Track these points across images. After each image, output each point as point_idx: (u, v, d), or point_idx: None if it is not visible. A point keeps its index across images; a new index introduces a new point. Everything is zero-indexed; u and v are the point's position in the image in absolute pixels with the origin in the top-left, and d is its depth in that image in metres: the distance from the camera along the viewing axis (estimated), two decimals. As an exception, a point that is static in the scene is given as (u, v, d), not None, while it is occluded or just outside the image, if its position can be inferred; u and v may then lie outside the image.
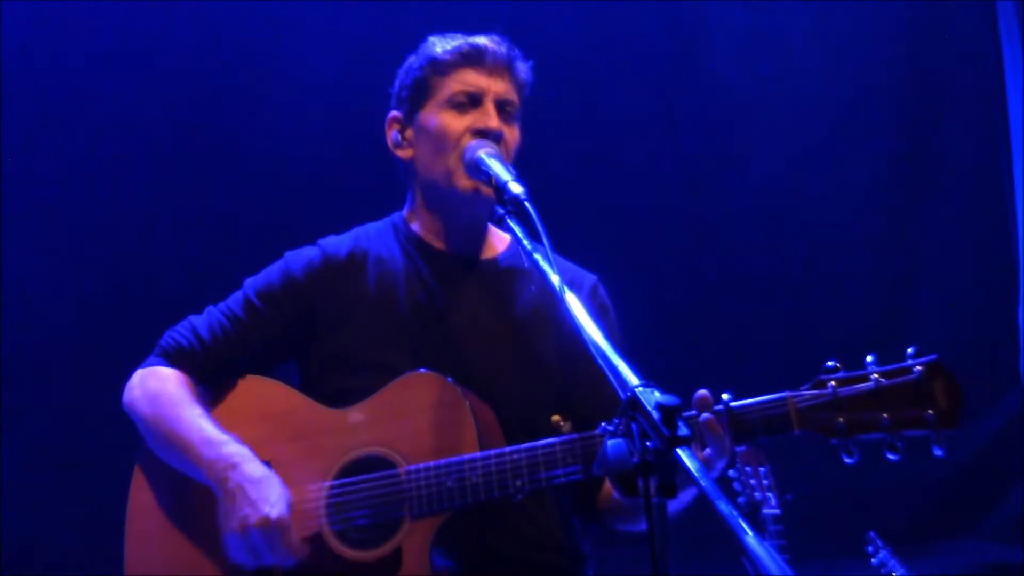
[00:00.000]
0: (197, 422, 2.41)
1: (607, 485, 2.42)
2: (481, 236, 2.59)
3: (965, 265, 4.73)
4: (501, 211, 2.19)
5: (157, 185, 4.41)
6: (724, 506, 1.51)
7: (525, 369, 2.48)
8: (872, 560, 4.07)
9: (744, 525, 1.48)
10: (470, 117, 2.47)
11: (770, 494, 3.97)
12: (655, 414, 1.59)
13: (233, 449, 2.36)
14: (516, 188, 2.18)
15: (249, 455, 2.35)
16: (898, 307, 4.76)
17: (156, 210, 4.39)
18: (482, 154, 2.35)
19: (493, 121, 2.46)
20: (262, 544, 2.27)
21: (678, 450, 1.56)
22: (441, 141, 2.47)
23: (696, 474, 1.54)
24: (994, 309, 4.69)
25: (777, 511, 3.94)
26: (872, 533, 4.10)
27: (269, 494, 2.29)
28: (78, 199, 4.33)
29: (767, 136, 4.79)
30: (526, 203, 2.14)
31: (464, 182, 2.43)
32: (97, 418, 4.01)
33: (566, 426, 2.38)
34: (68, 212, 4.32)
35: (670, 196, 4.75)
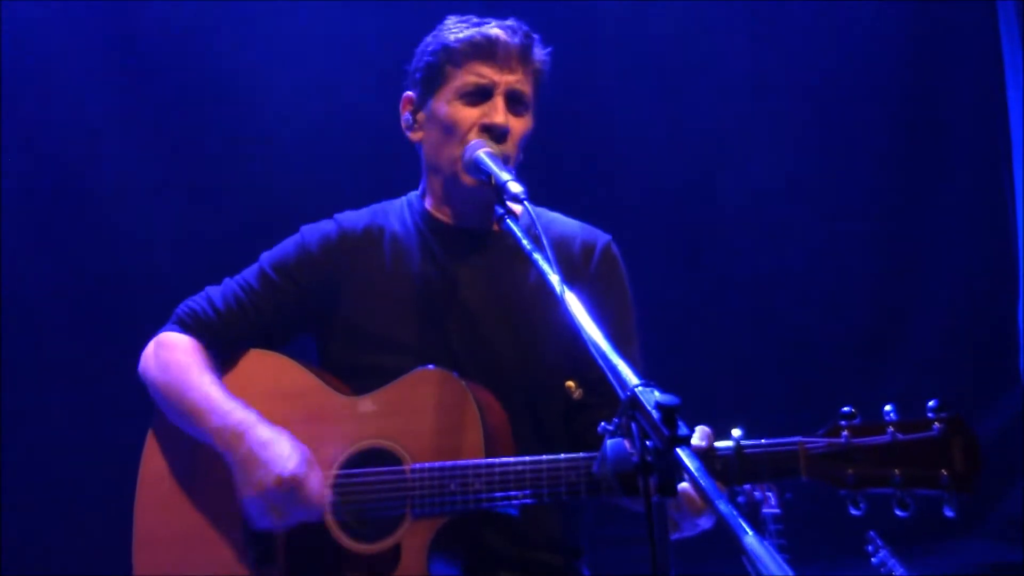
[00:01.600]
0: (205, 389, 2.43)
1: None
2: (490, 210, 2.59)
3: (965, 265, 4.73)
4: (501, 211, 2.20)
5: (157, 184, 4.41)
6: (724, 506, 1.51)
7: (537, 338, 2.49)
8: (872, 560, 4.07)
9: (744, 525, 1.48)
10: (479, 110, 2.48)
11: (770, 493, 3.97)
12: (655, 414, 1.59)
13: (240, 416, 2.37)
14: (515, 187, 2.20)
15: (256, 419, 2.36)
16: (898, 307, 4.76)
17: (156, 209, 4.39)
18: (481, 154, 2.36)
19: (500, 116, 2.47)
20: (283, 501, 2.28)
21: (678, 450, 1.56)
22: (449, 132, 2.49)
23: (696, 474, 1.54)
24: (994, 309, 4.68)
25: (777, 510, 3.94)
26: (872, 533, 4.10)
27: (280, 452, 2.30)
28: (78, 199, 4.33)
29: (767, 136, 4.79)
30: (525, 202, 2.15)
31: (467, 178, 2.45)
32: (97, 418, 4.03)
33: (578, 392, 2.42)
34: (68, 212, 4.32)
35: (670, 196, 4.75)
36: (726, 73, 4.80)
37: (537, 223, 2.09)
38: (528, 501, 2.23)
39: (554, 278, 2.01)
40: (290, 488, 2.27)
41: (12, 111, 4.24)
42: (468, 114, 2.48)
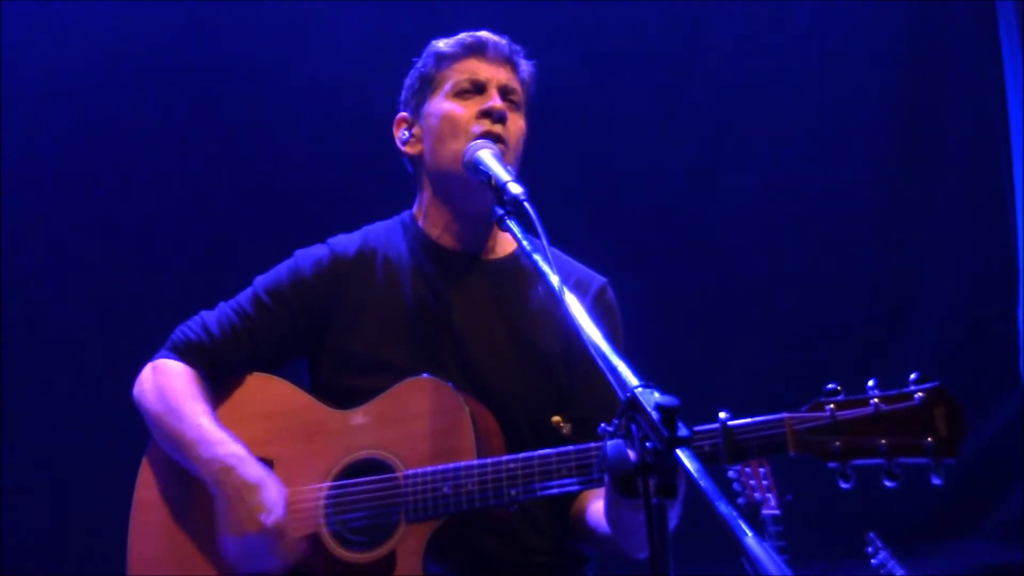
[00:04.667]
0: (197, 419, 2.42)
1: (578, 504, 2.43)
2: (488, 231, 2.58)
3: (965, 265, 4.73)
4: (500, 211, 2.19)
5: (158, 185, 4.41)
6: (724, 507, 1.50)
7: (526, 369, 2.48)
8: (872, 561, 4.08)
9: (744, 526, 1.48)
10: (475, 103, 2.49)
11: (770, 495, 3.98)
12: (654, 415, 1.58)
13: (229, 450, 2.37)
14: (515, 188, 2.18)
15: (245, 456, 2.36)
16: (898, 307, 4.76)
17: (157, 210, 4.39)
18: (480, 154, 2.35)
19: (497, 103, 2.47)
20: (259, 549, 2.30)
21: (677, 451, 1.56)
22: (449, 127, 2.49)
23: (695, 475, 1.54)
24: (994, 309, 4.69)
25: (777, 512, 3.95)
26: (872, 534, 4.11)
27: (265, 498, 2.31)
28: (78, 199, 4.33)
29: (767, 136, 4.79)
30: (525, 203, 2.13)
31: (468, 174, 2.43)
32: (97, 418, 4.03)
33: (566, 427, 2.39)
34: (68, 212, 4.32)
35: (670, 196, 4.75)
36: (725, 73, 4.81)
37: (538, 223, 2.07)
38: (521, 498, 2.22)
39: (554, 279, 1.99)
40: (268, 538, 2.29)
41: (12, 111, 4.24)
42: (465, 108, 2.49)
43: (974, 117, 4.78)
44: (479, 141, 2.40)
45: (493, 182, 2.24)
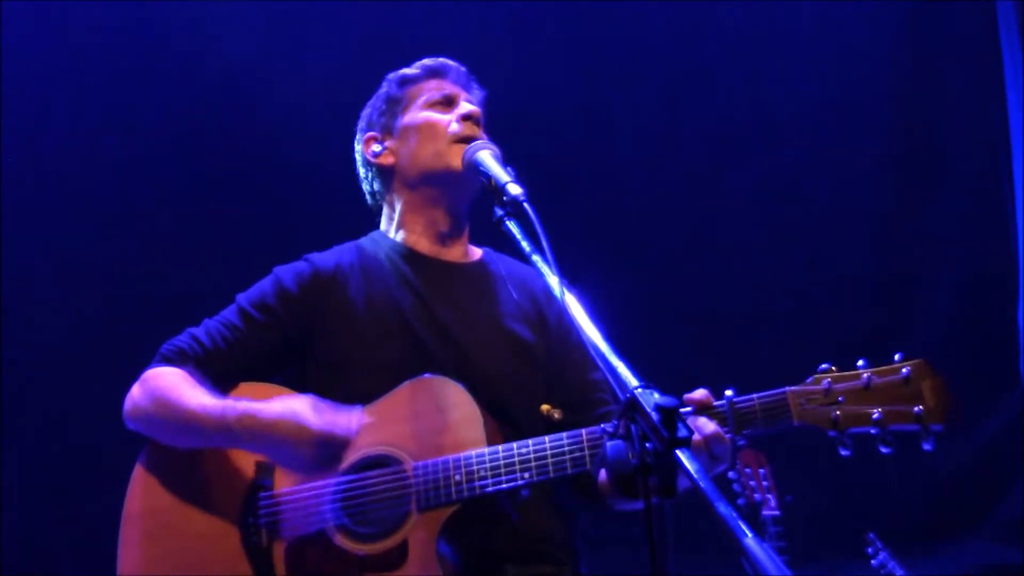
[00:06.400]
0: (199, 399, 2.42)
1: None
2: (461, 235, 2.68)
3: (965, 265, 4.73)
4: (500, 212, 2.20)
5: (158, 185, 4.41)
6: (723, 507, 1.51)
7: (514, 359, 2.53)
8: (872, 561, 4.07)
9: (743, 526, 1.48)
10: (451, 112, 2.63)
11: (770, 496, 3.98)
12: (654, 415, 1.59)
13: (241, 406, 2.37)
14: (515, 189, 2.19)
15: (259, 404, 2.36)
16: (898, 307, 4.76)
17: (157, 210, 4.40)
18: (480, 155, 2.37)
19: (475, 108, 2.63)
20: (326, 455, 2.29)
21: (677, 451, 1.56)
22: (429, 130, 2.62)
23: (695, 475, 1.55)
24: (994, 309, 4.69)
25: (777, 512, 3.95)
26: (872, 534, 4.10)
27: (300, 419, 2.29)
28: (79, 199, 4.33)
29: (767, 136, 4.79)
30: (525, 204, 2.15)
31: (457, 160, 2.52)
32: (97, 419, 4.02)
33: (557, 413, 2.46)
34: (69, 212, 4.32)
35: (671, 196, 4.75)
36: (727, 74, 4.81)
37: (538, 224, 2.08)
38: (534, 480, 2.25)
39: (553, 280, 2.00)
40: (327, 443, 2.28)
41: (13, 111, 4.24)
42: (443, 115, 2.63)
43: (974, 117, 4.78)
44: (479, 142, 2.44)
45: (493, 183, 2.26)
